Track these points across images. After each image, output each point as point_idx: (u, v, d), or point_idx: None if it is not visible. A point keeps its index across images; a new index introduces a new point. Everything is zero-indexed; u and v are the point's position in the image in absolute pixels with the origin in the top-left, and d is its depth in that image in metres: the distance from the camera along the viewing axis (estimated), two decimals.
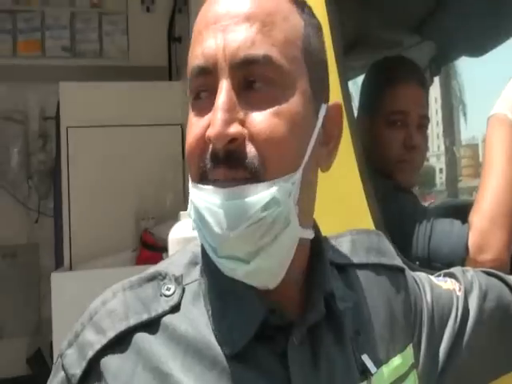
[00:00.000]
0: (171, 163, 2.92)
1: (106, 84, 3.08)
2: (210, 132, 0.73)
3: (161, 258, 1.95)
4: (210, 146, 0.75)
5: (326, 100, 0.86)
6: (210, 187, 0.75)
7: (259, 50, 0.75)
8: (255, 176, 0.74)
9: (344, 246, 0.99)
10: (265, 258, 0.76)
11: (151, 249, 2.53)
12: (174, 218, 1.51)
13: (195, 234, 0.82)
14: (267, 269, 0.78)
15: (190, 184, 0.80)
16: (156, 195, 2.93)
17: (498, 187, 1.37)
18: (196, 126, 0.77)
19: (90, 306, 0.83)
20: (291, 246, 0.80)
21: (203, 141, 0.75)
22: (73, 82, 3.03)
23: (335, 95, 1.34)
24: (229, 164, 0.74)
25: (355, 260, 0.97)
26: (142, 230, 2.75)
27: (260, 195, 0.73)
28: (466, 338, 1.04)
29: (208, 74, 0.76)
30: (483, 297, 1.08)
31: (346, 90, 1.39)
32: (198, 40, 0.79)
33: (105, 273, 2.33)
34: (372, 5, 2.24)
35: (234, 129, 0.73)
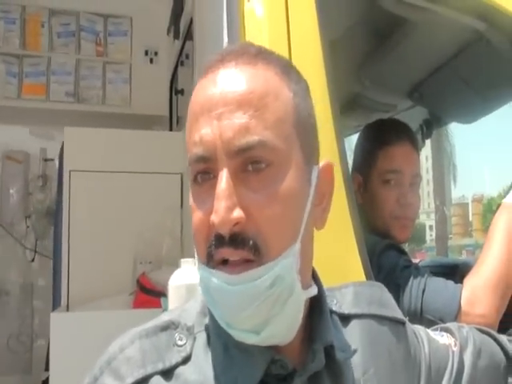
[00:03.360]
0: (170, 210, 2.95)
1: (109, 131, 3.13)
2: (215, 219, 0.76)
3: (158, 303, 2.00)
4: (214, 230, 0.78)
5: (317, 161, 0.89)
6: (218, 272, 0.78)
7: (254, 137, 0.78)
8: (258, 256, 0.78)
9: (347, 296, 1.01)
10: (274, 327, 0.80)
11: (148, 293, 2.54)
12: (171, 264, 1.54)
13: (195, 281, 0.88)
14: (278, 335, 0.82)
15: (198, 264, 0.83)
16: (154, 240, 2.94)
17: (496, 259, 1.48)
18: (200, 210, 0.81)
19: (107, 350, 0.86)
20: (298, 310, 0.84)
21: (208, 224, 0.79)
22: (77, 127, 3.08)
23: (332, 154, 1.41)
24: (234, 245, 0.77)
25: (358, 311, 1.00)
26: (140, 274, 2.77)
27: (264, 278, 0.77)
28: None
29: (207, 162, 0.80)
30: (477, 354, 1.11)
31: (343, 148, 1.44)
32: (195, 126, 0.81)
33: (103, 315, 2.37)
34: (367, 68, 2.34)
35: (237, 214, 0.76)
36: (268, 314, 0.79)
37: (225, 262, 0.79)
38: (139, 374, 0.81)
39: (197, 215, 0.82)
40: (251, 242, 0.77)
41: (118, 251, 2.93)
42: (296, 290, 0.81)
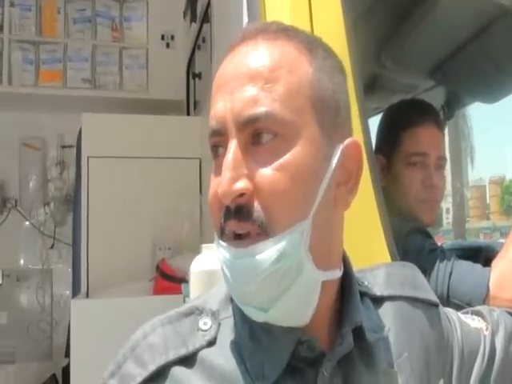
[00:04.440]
0: (189, 196, 2.95)
1: (127, 116, 3.12)
2: (219, 190, 0.77)
3: (178, 289, 1.99)
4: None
5: (342, 140, 0.86)
6: (224, 244, 0.79)
7: (261, 108, 0.78)
8: (263, 230, 0.77)
9: (379, 278, 1.00)
10: (282, 306, 0.79)
11: (169, 279, 2.52)
12: (191, 250, 1.53)
13: (217, 266, 0.87)
14: (288, 314, 0.81)
15: (215, 238, 0.84)
16: (173, 226, 2.95)
17: None
18: (213, 184, 0.82)
19: (130, 337, 0.86)
20: (311, 290, 0.82)
21: (218, 198, 0.79)
22: (95, 113, 3.07)
23: (355, 133, 1.39)
24: (238, 218, 0.77)
25: (390, 292, 0.99)
26: (159, 260, 2.76)
27: (268, 252, 0.76)
28: (492, 378, 1.04)
29: (220, 135, 0.81)
30: (509, 338, 1.09)
31: (367, 129, 1.41)
32: (213, 102, 0.83)
33: (122, 301, 2.37)
34: (388, 47, 2.30)
35: (240, 184, 0.76)
36: (274, 291, 0.78)
37: (236, 236, 0.79)
38: (161, 361, 0.81)
39: (210, 190, 0.82)
40: (255, 215, 0.77)
41: (137, 237, 2.94)
42: (306, 269, 0.79)
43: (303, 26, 1.35)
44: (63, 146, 4.12)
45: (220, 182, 0.78)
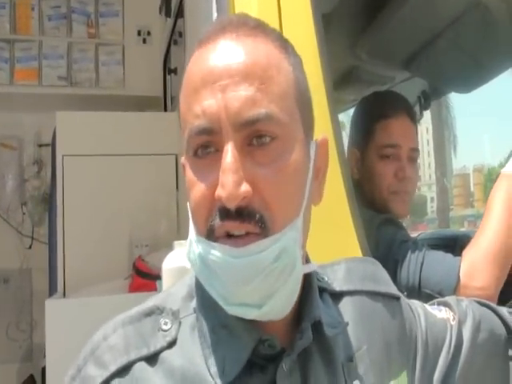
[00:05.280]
0: (165, 192, 2.93)
1: (102, 114, 3.10)
2: (221, 193, 0.75)
3: (154, 286, 1.97)
4: (218, 204, 0.77)
5: (313, 136, 0.89)
6: (221, 245, 0.78)
7: (261, 109, 0.77)
8: (264, 230, 0.77)
9: (339, 273, 1.01)
10: (275, 301, 0.79)
11: (145, 276, 2.52)
12: (168, 246, 1.52)
13: (188, 264, 0.85)
14: (278, 309, 0.82)
15: (195, 237, 0.82)
16: (150, 223, 2.94)
17: (494, 230, 1.45)
18: (201, 184, 0.79)
19: (90, 339, 0.85)
20: (297, 284, 0.83)
21: (211, 199, 0.78)
22: (69, 111, 3.04)
23: (326, 129, 1.38)
24: (240, 219, 0.76)
25: (350, 287, 0.99)
26: (136, 258, 2.76)
27: (269, 250, 0.77)
28: (459, 367, 1.05)
29: (211, 134, 0.78)
30: (476, 328, 1.10)
31: (336, 122, 1.41)
32: (196, 98, 0.80)
33: (98, 300, 2.34)
34: (362, 40, 2.29)
35: (244, 188, 0.75)
36: (272, 287, 0.79)
37: (228, 236, 0.78)
38: (122, 360, 0.81)
39: (198, 189, 0.80)
40: (258, 216, 0.77)
41: (114, 235, 2.92)
42: (298, 265, 0.81)
43: (272, 20, 1.35)
44: (40, 145, 4.08)
45: (214, 183, 0.77)
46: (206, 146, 0.80)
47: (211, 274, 0.80)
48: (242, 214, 0.76)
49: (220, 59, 0.80)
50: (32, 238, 4.04)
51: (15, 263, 4.01)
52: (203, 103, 0.78)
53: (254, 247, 0.77)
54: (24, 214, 4.06)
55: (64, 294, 2.76)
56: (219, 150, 0.78)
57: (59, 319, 2.32)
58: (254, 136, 0.78)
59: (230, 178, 0.75)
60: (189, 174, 0.82)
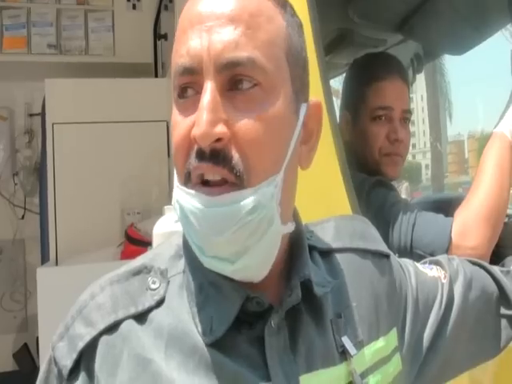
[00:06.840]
0: (157, 159, 2.92)
1: (92, 81, 3.07)
2: (196, 131, 0.74)
3: None
4: (196, 146, 0.76)
5: (306, 99, 0.87)
6: (195, 193, 0.76)
7: (243, 53, 0.75)
8: (239, 180, 0.75)
9: (328, 231, 1.00)
10: (249, 258, 0.78)
11: (137, 243, 2.53)
12: (160, 213, 1.52)
13: (179, 228, 0.84)
14: (253, 267, 0.80)
15: (176, 183, 0.81)
16: (141, 190, 2.94)
17: (487, 190, 1.44)
18: (181, 125, 0.78)
19: (78, 299, 0.85)
20: (275, 243, 0.81)
21: (189, 140, 0.76)
22: (58, 78, 3.02)
23: (317, 92, 1.37)
24: (214, 161, 0.75)
25: (339, 245, 0.98)
26: (128, 225, 2.76)
27: (245, 202, 0.75)
28: (449, 325, 1.05)
29: (193, 74, 0.77)
30: (468, 285, 1.09)
31: (328, 87, 1.40)
32: (183, 39, 0.79)
33: (90, 268, 2.32)
34: (354, 2, 2.26)
35: (220, 129, 0.74)
36: (245, 242, 0.77)
37: (205, 184, 0.77)
38: (110, 319, 0.81)
39: (178, 131, 0.79)
40: (233, 162, 0.75)
41: (106, 203, 2.92)
42: (275, 223, 0.79)
43: None
44: (31, 115, 4.05)
45: (193, 123, 0.75)
46: (188, 86, 0.78)
47: (188, 224, 0.78)
48: (217, 156, 0.75)
49: (209, 3, 0.78)
50: (24, 209, 4.04)
51: (8, 234, 4.02)
52: (188, 43, 0.77)
53: (229, 197, 0.75)
54: (16, 184, 4.05)
55: (56, 263, 2.76)
56: (201, 92, 0.76)
57: (51, 287, 2.32)
58: (236, 80, 0.77)
59: (206, 116, 0.73)
60: (173, 116, 0.81)
